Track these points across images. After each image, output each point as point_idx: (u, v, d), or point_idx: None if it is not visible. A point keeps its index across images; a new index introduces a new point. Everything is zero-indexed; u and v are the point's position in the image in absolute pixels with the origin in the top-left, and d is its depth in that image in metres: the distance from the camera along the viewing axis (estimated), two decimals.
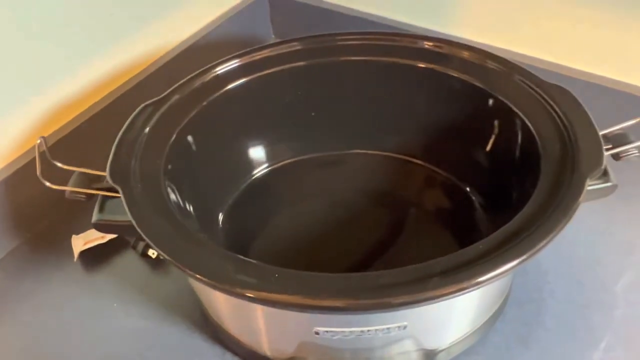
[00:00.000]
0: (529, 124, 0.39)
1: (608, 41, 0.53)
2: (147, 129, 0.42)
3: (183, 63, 0.63)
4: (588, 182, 0.34)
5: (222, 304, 0.41)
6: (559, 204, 0.33)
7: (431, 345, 0.39)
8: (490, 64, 0.44)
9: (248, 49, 0.48)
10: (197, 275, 0.31)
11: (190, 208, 0.43)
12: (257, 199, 0.50)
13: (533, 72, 0.43)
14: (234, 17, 0.69)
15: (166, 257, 0.32)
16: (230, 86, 0.46)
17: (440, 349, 0.40)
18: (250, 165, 0.49)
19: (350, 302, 0.30)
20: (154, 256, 0.51)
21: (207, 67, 0.47)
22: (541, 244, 0.30)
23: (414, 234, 0.47)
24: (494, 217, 0.44)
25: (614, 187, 0.36)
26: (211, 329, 0.45)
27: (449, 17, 0.61)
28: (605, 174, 0.36)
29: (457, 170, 0.49)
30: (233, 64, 0.47)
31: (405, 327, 0.35)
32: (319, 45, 0.48)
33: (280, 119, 0.50)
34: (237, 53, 0.48)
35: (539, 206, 0.34)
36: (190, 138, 0.43)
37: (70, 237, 0.53)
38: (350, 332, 0.35)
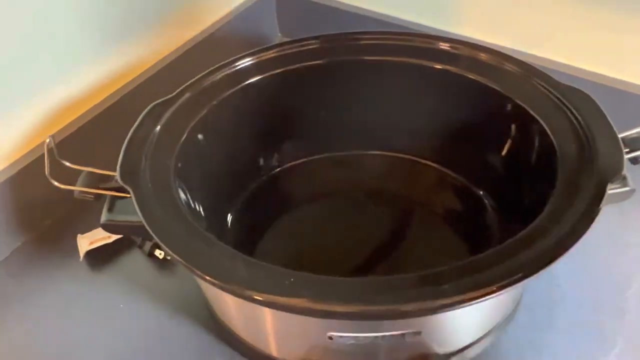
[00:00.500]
0: (546, 128, 0.38)
1: (625, 44, 0.53)
2: (157, 128, 0.41)
3: (190, 61, 0.63)
4: (609, 187, 0.33)
5: (230, 305, 0.40)
6: (578, 209, 0.32)
7: (444, 349, 0.39)
8: (507, 66, 0.43)
9: (260, 48, 0.48)
10: (218, 282, 0.31)
11: (199, 208, 0.42)
12: (266, 199, 0.50)
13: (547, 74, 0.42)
14: (240, 15, 0.69)
15: (180, 260, 0.32)
16: (241, 85, 0.45)
17: (452, 352, 0.40)
18: (260, 165, 0.48)
19: (368, 308, 0.29)
20: (161, 256, 0.50)
21: (219, 65, 0.46)
22: (563, 251, 0.30)
23: (425, 236, 0.47)
24: (508, 222, 0.43)
25: (632, 191, 0.36)
26: (219, 330, 0.44)
27: (457, 16, 0.60)
28: (623, 178, 0.35)
29: (471, 173, 0.49)
30: (245, 62, 0.47)
31: (419, 332, 0.34)
32: (331, 44, 0.48)
33: (291, 119, 0.50)
34: (249, 51, 0.47)
35: (557, 211, 0.33)
36: (200, 137, 0.43)
37: (76, 236, 0.52)
38: (365, 337, 0.34)
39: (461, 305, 0.29)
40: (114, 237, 0.51)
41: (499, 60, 0.44)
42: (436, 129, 0.49)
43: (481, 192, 0.47)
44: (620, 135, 0.37)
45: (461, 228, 0.47)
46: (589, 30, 0.54)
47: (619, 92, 0.53)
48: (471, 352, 0.41)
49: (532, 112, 0.39)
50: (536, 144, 0.40)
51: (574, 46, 0.56)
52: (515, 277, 0.29)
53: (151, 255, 0.51)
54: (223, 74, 0.46)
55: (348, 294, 0.30)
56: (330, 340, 0.35)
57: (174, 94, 0.44)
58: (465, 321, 0.38)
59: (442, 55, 0.45)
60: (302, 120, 0.50)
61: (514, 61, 0.43)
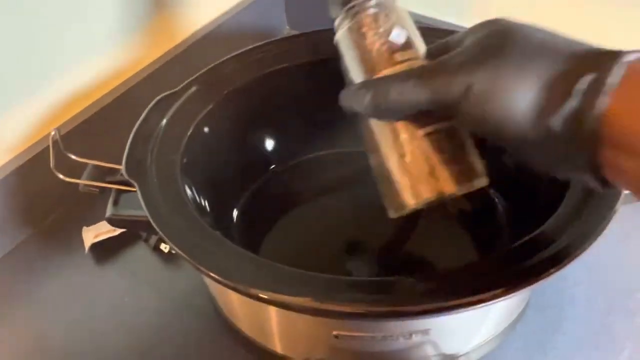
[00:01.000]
0: None
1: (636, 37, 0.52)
2: (163, 122, 0.41)
3: (196, 54, 0.62)
4: None
5: (235, 302, 0.40)
6: (593, 210, 0.32)
7: (451, 350, 0.38)
8: None
9: (269, 40, 0.47)
10: (223, 280, 0.30)
11: (205, 203, 0.42)
12: (273, 195, 0.49)
13: None
14: (248, 7, 0.68)
15: (185, 256, 0.32)
16: (249, 78, 0.45)
17: (459, 354, 0.39)
18: (267, 160, 0.48)
19: (374, 309, 0.29)
20: (166, 250, 0.50)
21: (226, 58, 0.45)
22: (577, 253, 0.29)
23: (435, 235, 0.46)
24: (519, 223, 0.42)
25: None
26: (223, 325, 0.44)
27: (469, 9, 0.59)
28: None
29: None
30: (253, 55, 0.46)
31: (428, 332, 0.34)
32: None
33: (299, 114, 0.49)
34: (258, 44, 0.46)
35: (571, 212, 0.32)
36: (207, 131, 0.42)
37: (81, 229, 0.52)
38: (372, 337, 0.34)
39: (471, 308, 0.29)
40: (119, 230, 0.51)
41: None
42: None
43: (492, 191, 0.46)
44: None
45: (472, 228, 0.46)
46: (602, 25, 0.53)
47: None
48: (478, 353, 0.40)
49: None
50: None
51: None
52: (529, 279, 0.29)
53: (156, 249, 0.50)
54: (230, 67, 0.45)
55: (355, 294, 0.30)
56: (336, 339, 0.35)
57: (180, 87, 0.44)
58: (476, 322, 0.38)
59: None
60: (311, 115, 0.49)
61: None
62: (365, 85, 0.30)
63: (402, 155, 0.30)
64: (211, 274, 0.31)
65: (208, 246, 0.33)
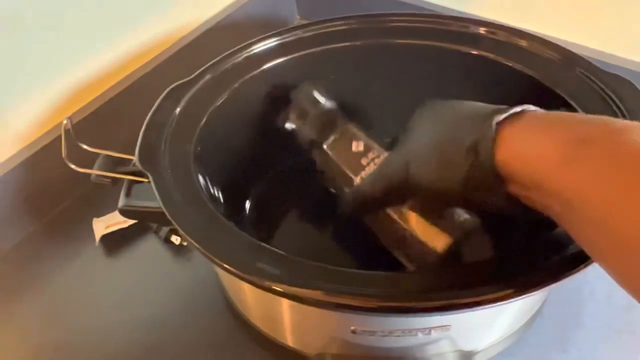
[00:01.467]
0: None
1: None
2: (177, 111, 0.40)
3: (206, 43, 0.61)
4: None
5: (248, 294, 0.39)
6: None
7: (469, 347, 0.38)
8: (548, 54, 0.41)
9: (283, 29, 0.46)
10: (239, 273, 0.30)
11: (218, 194, 0.41)
12: (286, 186, 0.48)
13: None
14: None
15: (200, 248, 0.31)
16: (263, 67, 0.44)
17: (477, 350, 0.38)
18: (281, 151, 0.46)
19: (394, 304, 0.28)
20: (177, 242, 0.49)
21: (240, 46, 0.44)
22: None
23: None
24: (538, 219, 0.41)
25: None
26: (235, 318, 0.44)
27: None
28: None
29: None
30: (267, 44, 0.45)
31: (448, 328, 0.33)
32: (358, 26, 0.46)
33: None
34: (272, 32, 0.45)
35: None
36: (221, 121, 0.41)
37: (92, 220, 0.51)
38: (390, 332, 0.33)
39: (494, 304, 0.28)
40: (130, 221, 0.50)
41: (540, 47, 0.41)
42: None
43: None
44: None
45: (487, 223, 0.45)
46: (620, 14, 0.51)
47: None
48: (496, 349, 0.40)
49: (572, 103, 0.37)
50: None
51: (608, 32, 0.53)
52: (556, 275, 0.28)
53: (167, 240, 0.50)
54: (245, 56, 0.44)
55: (374, 288, 0.29)
56: (353, 334, 0.34)
57: (194, 75, 0.43)
58: (497, 318, 0.37)
59: (477, 40, 0.43)
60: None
61: (556, 48, 0.41)
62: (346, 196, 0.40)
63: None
64: (225, 266, 0.30)
65: (222, 237, 0.32)
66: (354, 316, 0.33)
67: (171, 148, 0.38)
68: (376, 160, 0.39)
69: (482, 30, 0.44)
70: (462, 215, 0.35)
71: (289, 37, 0.46)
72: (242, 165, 0.45)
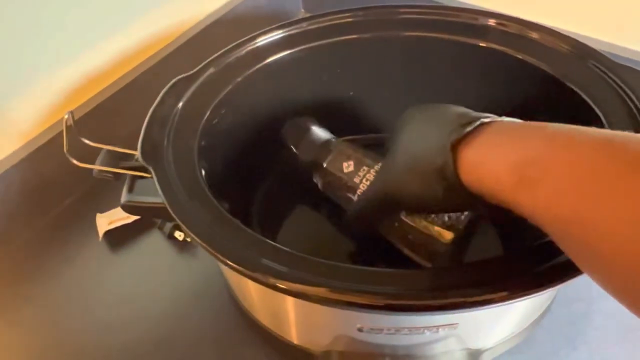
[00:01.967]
0: (601, 116, 0.35)
1: None
2: (179, 105, 0.39)
3: (210, 37, 0.61)
4: None
5: (253, 291, 0.39)
6: None
7: (476, 345, 0.37)
8: (559, 46, 0.40)
9: (287, 21, 0.45)
10: (244, 270, 0.29)
11: (222, 189, 0.40)
12: (291, 182, 0.48)
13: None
14: None
15: (203, 245, 0.30)
16: (267, 61, 0.43)
17: (485, 348, 0.38)
18: (285, 146, 0.46)
19: (401, 302, 0.27)
20: (180, 238, 0.49)
21: (244, 39, 0.44)
22: None
23: None
24: None
25: None
26: (240, 315, 0.43)
27: None
28: None
29: None
30: (271, 37, 0.44)
31: (455, 327, 0.33)
32: (365, 18, 0.45)
33: (318, 97, 0.47)
34: (276, 25, 0.44)
35: None
36: (225, 115, 0.41)
37: (95, 215, 0.51)
38: (397, 330, 0.33)
39: (503, 303, 0.27)
40: (134, 217, 0.50)
41: (552, 40, 0.40)
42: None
43: None
44: None
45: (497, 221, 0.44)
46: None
47: None
48: (504, 347, 0.39)
49: (585, 98, 0.36)
50: None
51: (620, 23, 0.52)
52: (562, 275, 0.27)
53: (171, 236, 0.49)
54: (248, 49, 0.43)
55: (380, 286, 0.28)
56: (359, 332, 0.34)
57: (197, 69, 0.42)
58: (505, 316, 0.36)
59: (487, 32, 0.42)
60: (330, 99, 0.47)
61: (569, 40, 0.40)
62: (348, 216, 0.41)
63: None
64: (230, 263, 0.30)
65: (226, 234, 0.31)
66: (360, 314, 0.32)
67: (174, 143, 0.37)
68: (368, 176, 0.40)
69: (492, 22, 0.43)
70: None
71: (293, 30, 0.45)
72: (248, 161, 0.45)
